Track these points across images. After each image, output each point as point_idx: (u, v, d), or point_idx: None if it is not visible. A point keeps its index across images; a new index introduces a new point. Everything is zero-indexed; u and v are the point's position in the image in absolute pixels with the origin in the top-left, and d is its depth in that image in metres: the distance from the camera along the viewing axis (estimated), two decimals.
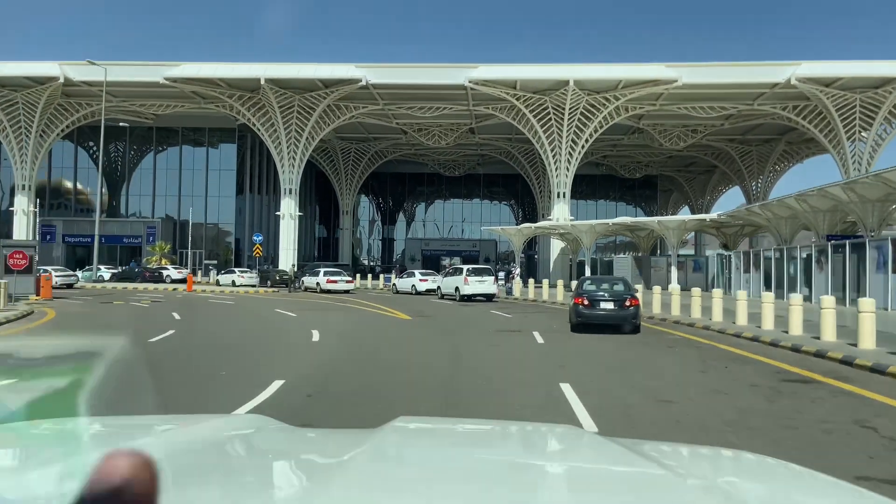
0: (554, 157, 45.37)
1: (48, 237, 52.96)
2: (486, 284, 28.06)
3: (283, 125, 46.52)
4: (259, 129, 47.55)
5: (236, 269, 44.63)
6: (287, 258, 45.99)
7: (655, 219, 42.97)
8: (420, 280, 33.04)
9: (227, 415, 3.17)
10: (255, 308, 24.97)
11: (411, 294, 33.06)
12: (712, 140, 56.15)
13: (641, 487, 1.43)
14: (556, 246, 46.36)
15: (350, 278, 37.98)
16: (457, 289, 28.38)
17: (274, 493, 1.35)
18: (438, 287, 30.48)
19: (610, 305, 16.52)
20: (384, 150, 64.44)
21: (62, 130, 49.57)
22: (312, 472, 1.53)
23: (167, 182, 55.75)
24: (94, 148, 56.42)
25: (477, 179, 75.79)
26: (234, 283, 42.15)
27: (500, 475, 1.51)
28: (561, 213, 44.53)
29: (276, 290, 37.51)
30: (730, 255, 36.44)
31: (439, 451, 1.82)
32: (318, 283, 36.62)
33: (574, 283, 22.92)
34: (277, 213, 48.69)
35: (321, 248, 78.63)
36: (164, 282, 43.55)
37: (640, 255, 47.76)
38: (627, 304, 16.42)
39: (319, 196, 75.91)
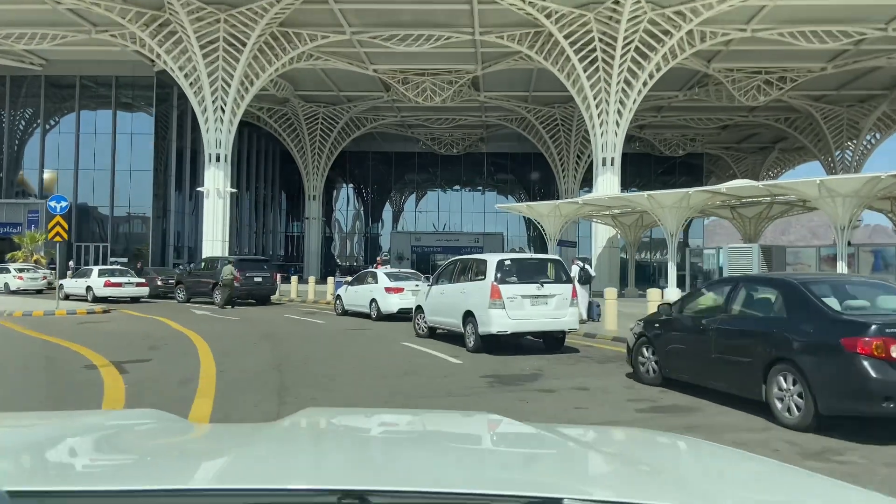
0: (599, 109, 31.18)
1: None
2: (551, 306, 11.25)
3: (202, 60, 32.24)
4: (171, 68, 33.22)
5: (12, 267, 30.19)
6: (213, 253, 31.48)
7: (787, 182, 28.17)
8: (386, 290, 16.59)
9: (122, 410, 2.71)
10: None
11: (369, 318, 17.20)
12: (795, 97, 42.03)
13: (545, 460, 1.58)
14: (602, 235, 31.97)
15: (141, 280, 24.90)
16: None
17: (153, 476, 1.36)
18: (418, 308, 13.24)
19: None
20: (361, 118, 50.13)
21: None
22: (199, 458, 1.54)
23: (60, 151, 41.21)
24: None
25: (479, 160, 61.48)
26: (6, 288, 28.29)
27: (407, 453, 1.54)
28: (608, 186, 30.36)
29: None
30: None
31: (345, 435, 1.82)
32: (89, 288, 23.79)
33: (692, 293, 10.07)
34: (200, 188, 34.33)
35: (290, 245, 64.27)
36: None
37: (769, 245, 30.87)
38: None
39: (286, 183, 61.50)
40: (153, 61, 37.82)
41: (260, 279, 22.37)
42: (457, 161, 60.39)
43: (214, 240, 33.03)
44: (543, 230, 27.61)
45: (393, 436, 1.86)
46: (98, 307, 17.94)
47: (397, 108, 47.84)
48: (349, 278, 22.47)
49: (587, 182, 44.60)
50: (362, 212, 66.00)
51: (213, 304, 21.92)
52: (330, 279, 26.09)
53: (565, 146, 47.79)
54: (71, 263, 37.55)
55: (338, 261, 63.53)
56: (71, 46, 35.93)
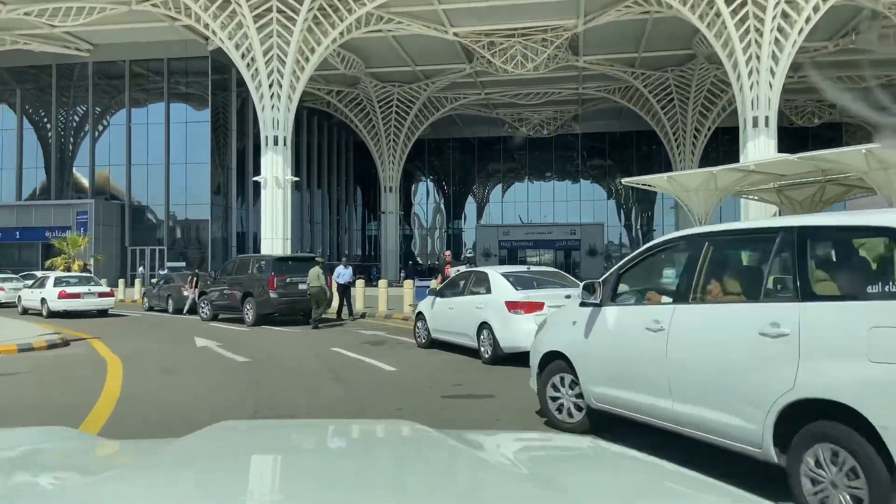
0: (747, 56, 24.11)
1: None
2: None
3: (255, 30, 27.33)
4: (220, 38, 28.52)
5: None
6: (274, 251, 26.44)
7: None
8: (509, 307, 9.44)
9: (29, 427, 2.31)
10: None
11: (476, 356, 10.13)
12: None
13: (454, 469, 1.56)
14: (757, 217, 24.64)
15: (105, 290, 20.13)
16: None
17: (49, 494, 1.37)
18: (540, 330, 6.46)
19: None
20: (440, 97, 44.43)
21: None
22: (104, 479, 1.48)
23: (112, 146, 37.44)
24: (5, 91, 38.81)
25: (572, 143, 54.67)
26: None
27: (321, 464, 1.55)
28: (761, 151, 23.25)
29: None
30: None
31: (258, 449, 1.77)
32: (43, 300, 19.56)
33: None
34: (256, 178, 29.48)
35: (367, 244, 59.54)
36: None
37: None
38: None
39: (360, 177, 56.72)
40: (206, 39, 33.54)
41: (307, 286, 15.89)
42: (547, 144, 53.82)
43: (274, 237, 28.07)
44: (689, 210, 20.94)
45: (306, 447, 1.83)
46: (56, 335, 12.10)
47: (481, 84, 41.88)
48: (434, 281, 16.46)
49: (707, 160, 37.23)
50: (443, 205, 60.36)
51: (243, 321, 16.18)
52: (407, 284, 19.65)
53: (680, 118, 40.42)
54: (140, 269, 33.69)
55: (417, 259, 58.24)
56: (117, 25, 31.99)
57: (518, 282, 10.06)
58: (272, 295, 15.67)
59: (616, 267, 5.23)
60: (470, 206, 59.79)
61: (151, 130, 36.80)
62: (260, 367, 9.62)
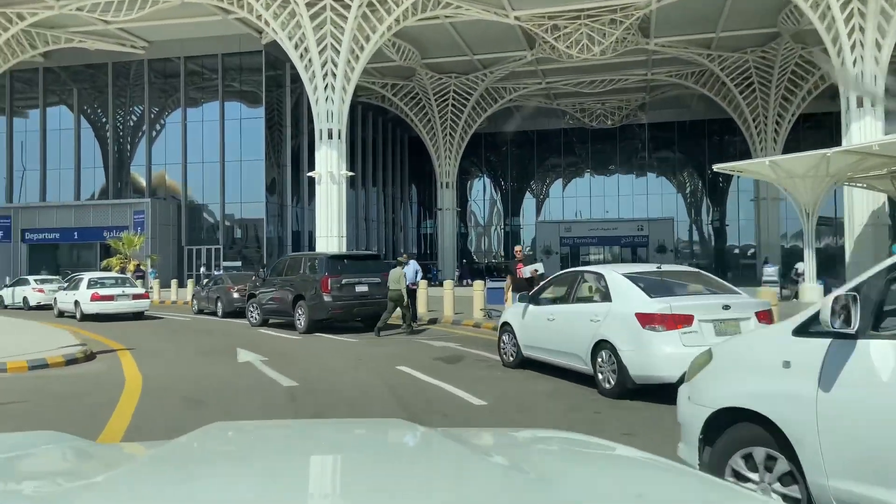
0: (849, 28, 21.43)
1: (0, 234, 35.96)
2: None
3: (309, 20, 26.07)
4: (273, 28, 27.42)
5: (31, 278, 25.75)
6: (329, 249, 25.09)
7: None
8: (642, 320, 7.06)
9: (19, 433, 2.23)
10: None
11: (592, 384, 7.75)
12: None
13: (452, 468, 1.52)
14: (863, 207, 21.67)
15: (139, 292, 19.33)
16: None
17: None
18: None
19: None
20: (498, 88, 42.57)
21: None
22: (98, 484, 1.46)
23: (168, 144, 36.93)
24: (63, 91, 38.73)
25: (637, 134, 51.94)
26: (25, 303, 23.90)
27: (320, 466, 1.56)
28: (867, 133, 20.53)
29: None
30: None
31: (249, 450, 1.78)
32: (76, 303, 18.69)
33: None
34: (311, 174, 28.25)
35: (423, 242, 58.14)
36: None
37: None
38: None
39: (415, 174, 55.37)
40: (260, 32, 32.64)
41: (366, 288, 14.01)
42: (610, 136, 51.27)
43: (329, 235, 26.78)
44: (794, 201, 18.46)
45: (302, 447, 1.80)
46: (79, 347, 10.56)
47: (541, 73, 39.83)
48: (505, 284, 14.48)
49: (791, 150, 34.21)
50: (499, 201, 58.37)
51: (294, 327, 14.47)
52: (477, 285, 17.00)
53: (761, 104, 37.39)
54: (202, 270, 33.05)
55: (474, 258, 56.50)
56: (171, 20, 31.41)
57: (651, 287, 7.59)
58: (326, 298, 13.71)
59: (882, 268, 3.02)
60: (528, 202, 57.63)
61: (206, 128, 36.17)
62: (310, 396, 7.84)
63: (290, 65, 33.72)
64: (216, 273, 26.50)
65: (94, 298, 18.28)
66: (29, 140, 38.40)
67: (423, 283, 17.35)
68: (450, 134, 43.40)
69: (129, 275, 27.83)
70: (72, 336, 12.32)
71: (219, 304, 18.96)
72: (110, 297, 18.41)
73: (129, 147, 38.38)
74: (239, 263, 34.35)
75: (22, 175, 38.34)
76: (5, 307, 24.23)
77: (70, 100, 38.13)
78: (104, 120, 38.27)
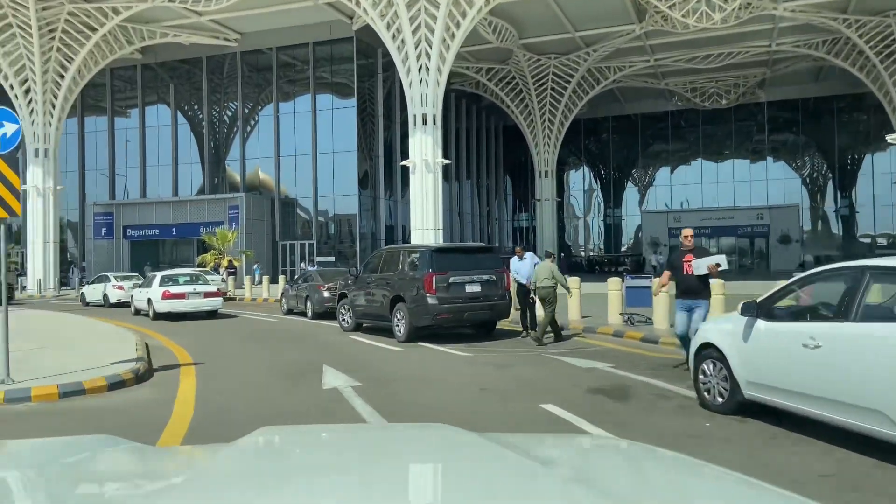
0: None
1: (103, 230, 36.50)
2: None
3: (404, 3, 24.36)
4: (364, 8, 25.92)
5: (111, 275, 24.92)
6: (425, 241, 23.27)
7: None
8: None
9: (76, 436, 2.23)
10: None
11: None
12: None
13: (507, 478, 1.45)
14: None
15: (211, 290, 18.18)
16: None
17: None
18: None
19: None
20: (601, 69, 39.61)
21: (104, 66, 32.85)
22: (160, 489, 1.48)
23: (260, 137, 36.36)
24: (160, 88, 38.91)
25: (755, 114, 47.43)
26: (105, 300, 23.30)
27: (368, 470, 1.54)
28: None
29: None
30: None
31: (306, 454, 1.79)
32: (150, 301, 18.10)
33: None
34: (404, 162, 26.58)
35: (518, 236, 55.80)
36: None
37: None
38: None
39: (511, 165, 53.10)
40: (350, 18, 31.41)
41: (478, 288, 11.65)
42: (724, 117, 47.09)
43: (425, 227, 25.07)
44: None
45: (350, 452, 1.81)
46: (132, 364, 8.85)
47: (650, 48, 36.59)
48: (656, 282, 11.16)
49: None
50: (599, 191, 55.12)
51: (392, 333, 12.36)
52: (612, 282, 13.81)
53: None
54: (302, 266, 32.27)
55: (571, 251, 53.65)
56: (261, 10, 30.73)
57: None
58: (430, 301, 11.50)
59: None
60: (630, 191, 54.10)
61: (298, 120, 35.39)
62: None
63: (381, 52, 32.39)
64: (308, 269, 25.32)
65: (166, 297, 17.45)
66: (130, 137, 38.95)
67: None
68: (549, 119, 40.85)
69: (222, 271, 27.26)
70: (135, 344, 10.83)
71: (308, 303, 17.46)
72: (181, 296, 17.52)
73: (224, 142, 38.25)
74: (333, 259, 33.36)
75: (125, 172, 38.95)
76: (87, 304, 23.99)
77: (167, 96, 38.38)
78: (200, 115, 38.30)
